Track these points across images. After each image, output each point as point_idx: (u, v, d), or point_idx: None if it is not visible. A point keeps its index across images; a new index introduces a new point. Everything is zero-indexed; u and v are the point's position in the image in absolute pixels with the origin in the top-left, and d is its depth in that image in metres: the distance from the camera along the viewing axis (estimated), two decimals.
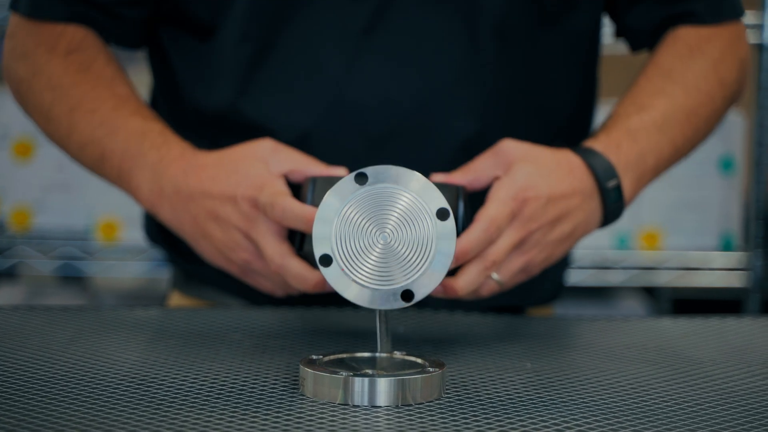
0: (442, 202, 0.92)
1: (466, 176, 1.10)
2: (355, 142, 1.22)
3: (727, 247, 2.48)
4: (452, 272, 1.05)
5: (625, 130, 1.18)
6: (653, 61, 1.26)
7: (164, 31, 1.29)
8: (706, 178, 2.49)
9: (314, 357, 0.96)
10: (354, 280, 0.92)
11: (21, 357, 1.03)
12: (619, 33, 1.33)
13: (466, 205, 1.06)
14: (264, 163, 1.10)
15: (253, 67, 1.23)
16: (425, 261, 0.92)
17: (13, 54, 1.25)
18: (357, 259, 0.92)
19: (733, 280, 2.45)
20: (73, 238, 2.37)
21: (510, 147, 1.11)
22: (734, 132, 2.47)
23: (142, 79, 1.50)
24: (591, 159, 1.13)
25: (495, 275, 1.08)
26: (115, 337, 1.11)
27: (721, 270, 2.46)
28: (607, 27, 1.35)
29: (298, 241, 1.06)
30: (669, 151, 1.21)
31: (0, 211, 2.40)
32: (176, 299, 1.38)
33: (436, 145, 1.23)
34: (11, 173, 2.37)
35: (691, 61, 1.25)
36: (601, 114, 1.41)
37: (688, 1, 1.28)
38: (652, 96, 1.21)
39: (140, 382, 0.96)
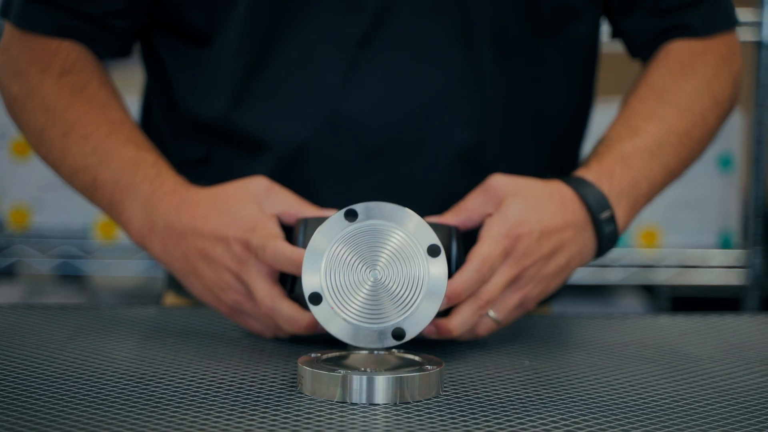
0: (433, 239, 0.92)
1: (457, 216, 1.09)
2: (352, 154, 1.22)
3: (725, 244, 2.48)
4: (446, 312, 1.04)
5: (618, 156, 1.16)
6: (646, 81, 1.25)
7: (158, 37, 1.28)
8: (704, 176, 2.49)
9: (312, 355, 0.96)
10: (344, 318, 0.91)
11: (19, 355, 1.03)
12: (616, 35, 1.33)
13: (460, 245, 1.05)
14: (257, 204, 1.09)
15: (249, 77, 1.22)
16: (416, 299, 0.91)
17: (6, 69, 1.24)
18: (347, 297, 0.92)
19: (732, 278, 2.45)
20: (71, 237, 2.37)
21: (499, 182, 1.10)
22: (733, 130, 2.47)
23: (136, 78, 1.49)
24: (583, 190, 1.12)
25: (491, 313, 1.07)
26: (113, 336, 1.11)
27: (719, 268, 2.46)
28: (606, 26, 1.35)
29: (290, 283, 1.05)
30: (662, 175, 1.20)
31: None
32: (171, 299, 1.38)
33: (433, 155, 1.22)
34: (10, 172, 2.37)
35: (684, 81, 1.24)
36: (597, 114, 1.41)
37: (682, 13, 1.26)
38: (645, 119, 1.20)
39: (138, 379, 0.96)
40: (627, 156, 1.17)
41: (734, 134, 2.48)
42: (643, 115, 1.21)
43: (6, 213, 2.40)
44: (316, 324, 1.02)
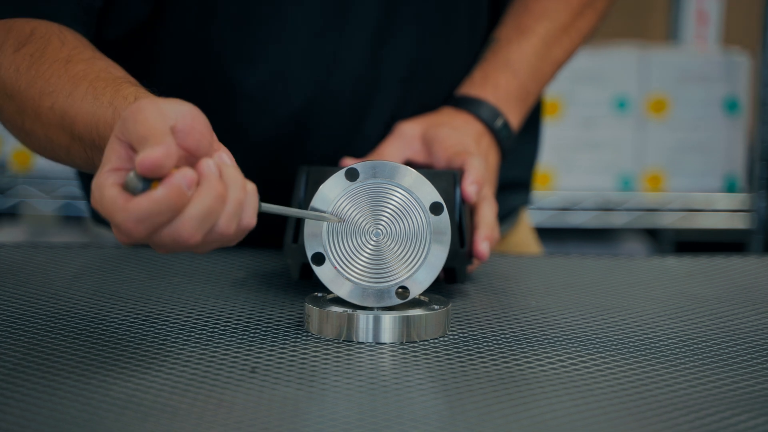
0: (435, 197, 0.92)
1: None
2: (344, 115, 1.21)
3: (730, 188, 2.47)
4: (451, 274, 1.03)
5: (503, 64, 1.21)
6: None
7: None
8: (710, 120, 2.48)
9: (319, 294, 0.96)
10: (348, 278, 0.91)
11: (25, 293, 1.03)
12: None
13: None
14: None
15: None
16: (420, 257, 0.91)
17: None
18: (350, 256, 0.91)
19: (737, 222, 2.45)
20: (74, 178, 2.36)
21: (409, 127, 1.14)
22: (739, 73, 2.46)
23: None
24: (473, 108, 1.18)
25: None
26: (119, 275, 1.11)
27: (724, 211, 2.46)
28: None
29: (292, 233, 1.03)
30: (550, 71, 1.25)
31: (1, 151, 2.39)
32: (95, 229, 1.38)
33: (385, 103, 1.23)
34: None
35: None
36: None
37: None
38: (536, 19, 1.24)
39: (144, 318, 0.96)
40: (513, 62, 1.21)
41: (741, 77, 2.46)
42: (535, 14, 1.24)
43: (9, 154, 2.39)
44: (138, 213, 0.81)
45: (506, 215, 1.33)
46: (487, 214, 1.07)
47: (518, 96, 1.21)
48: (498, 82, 1.20)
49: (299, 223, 1.03)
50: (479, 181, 1.06)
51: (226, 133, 1.18)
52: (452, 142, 1.12)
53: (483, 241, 1.05)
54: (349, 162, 1.11)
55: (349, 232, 0.91)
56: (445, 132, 1.13)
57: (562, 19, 1.25)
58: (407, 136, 1.15)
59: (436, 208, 0.92)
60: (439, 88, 1.23)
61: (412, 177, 0.92)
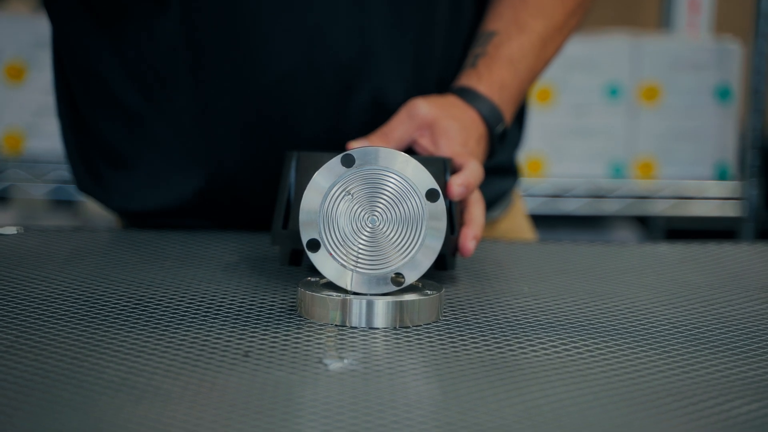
0: (431, 183, 0.92)
1: (387, 144, 1.10)
2: (329, 85, 1.21)
3: (722, 176, 2.48)
4: (442, 263, 1.03)
5: (507, 62, 1.21)
6: None
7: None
8: (702, 107, 2.49)
9: (312, 279, 0.95)
10: (343, 265, 0.91)
11: (17, 276, 1.03)
12: None
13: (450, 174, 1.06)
14: None
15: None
16: (416, 243, 0.91)
17: None
18: (346, 243, 0.91)
19: (728, 210, 2.45)
20: (65, 162, 2.36)
21: (422, 109, 1.12)
22: (731, 60, 2.46)
23: None
24: (480, 106, 1.17)
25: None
26: (111, 258, 1.11)
27: (715, 199, 2.46)
28: None
29: (283, 218, 1.03)
30: (542, 68, 1.26)
31: None
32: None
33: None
34: (3, 97, 2.35)
35: None
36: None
37: None
38: (533, 15, 1.24)
39: (137, 302, 0.95)
40: (516, 60, 1.21)
41: (732, 65, 2.46)
42: (531, 9, 1.24)
43: (0, 138, 2.39)
44: None
45: (496, 200, 1.33)
46: (477, 215, 1.07)
47: (517, 97, 1.21)
48: (504, 82, 1.20)
49: (288, 209, 1.03)
50: (469, 185, 1.05)
51: (214, 104, 1.19)
52: (459, 141, 1.12)
53: (471, 240, 1.04)
54: (355, 145, 1.10)
55: (344, 218, 0.91)
56: (455, 129, 1.13)
57: (558, 18, 1.25)
58: (419, 119, 1.12)
59: (432, 195, 0.92)
60: (425, 69, 1.23)
61: (408, 163, 0.92)
